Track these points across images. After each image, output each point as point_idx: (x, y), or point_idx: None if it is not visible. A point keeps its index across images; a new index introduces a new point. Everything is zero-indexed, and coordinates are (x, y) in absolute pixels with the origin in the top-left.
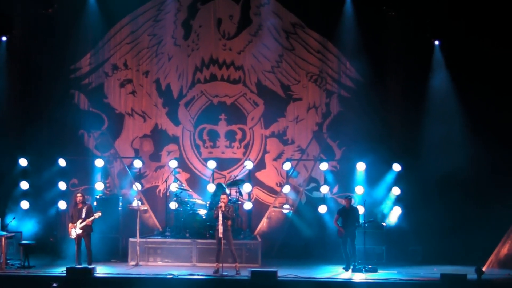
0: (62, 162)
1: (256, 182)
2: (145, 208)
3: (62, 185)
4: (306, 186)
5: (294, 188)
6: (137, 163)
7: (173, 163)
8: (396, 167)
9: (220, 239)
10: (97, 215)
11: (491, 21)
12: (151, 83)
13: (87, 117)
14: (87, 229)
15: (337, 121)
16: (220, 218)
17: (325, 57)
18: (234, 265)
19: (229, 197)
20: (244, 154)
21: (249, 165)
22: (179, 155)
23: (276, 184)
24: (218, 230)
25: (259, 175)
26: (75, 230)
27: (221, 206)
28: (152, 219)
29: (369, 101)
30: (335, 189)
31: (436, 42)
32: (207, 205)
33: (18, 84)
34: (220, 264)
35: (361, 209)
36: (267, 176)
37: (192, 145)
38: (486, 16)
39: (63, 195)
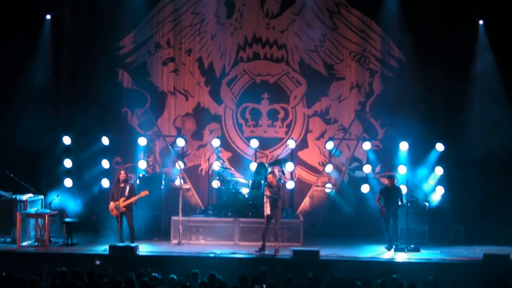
0: (105, 140)
1: (299, 161)
2: (188, 186)
3: (105, 163)
4: (349, 166)
5: (337, 168)
6: (180, 142)
7: (216, 142)
8: (439, 147)
9: (267, 217)
10: (144, 193)
11: None
12: (194, 62)
13: (130, 95)
14: (129, 207)
15: (380, 100)
16: (265, 197)
17: (369, 36)
18: (274, 243)
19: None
20: (286, 133)
21: (291, 144)
22: (221, 134)
23: (319, 163)
24: (265, 209)
25: (302, 154)
26: (118, 207)
27: (267, 186)
28: (195, 198)
29: (412, 81)
30: (378, 169)
31: (481, 22)
32: (249, 184)
33: (63, 62)
34: (267, 243)
35: (403, 189)
36: (310, 155)
37: (235, 124)
38: None
39: (106, 173)
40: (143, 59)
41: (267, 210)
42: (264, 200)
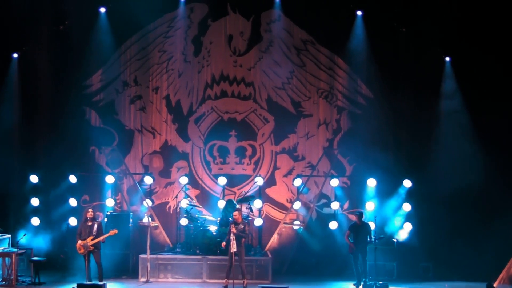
0: (73, 179)
1: (267, 199)
2: (156, 224)
3: (73, 202)
4: (317, 202)
5: (305, 204)
6: (148, 180)
7: (184, 180)
8: (407, 183)
9: (232, 254)
10: (113, 232)
11: (501, 38)
12: (161, 100)
13: (98, 134)
14: (97, 246)
15: (347, 137)
16: (231, 234)
17: (336, 74)
18: (242, 281)
19: (242, 213)
20: (254, 170)
21: (259, 181)
22: (189, 172)
23: (287, 200)
24: (231, 246)
25: (270, 191)
26: (86, 246)
27: (233, 223)
28: (163, 235)
29: (380, 118)
30: (346, 205)
31: (447, 58)
32: (218, 221)
33: (29, 100)
34: (230, 281)
35: (372, 225)
36: (278, 192)
37: (202, 162)
38: (497, 33)
39: (74, 211)
40: (111, 98)
41: (233, 247)
42: (230, 237)
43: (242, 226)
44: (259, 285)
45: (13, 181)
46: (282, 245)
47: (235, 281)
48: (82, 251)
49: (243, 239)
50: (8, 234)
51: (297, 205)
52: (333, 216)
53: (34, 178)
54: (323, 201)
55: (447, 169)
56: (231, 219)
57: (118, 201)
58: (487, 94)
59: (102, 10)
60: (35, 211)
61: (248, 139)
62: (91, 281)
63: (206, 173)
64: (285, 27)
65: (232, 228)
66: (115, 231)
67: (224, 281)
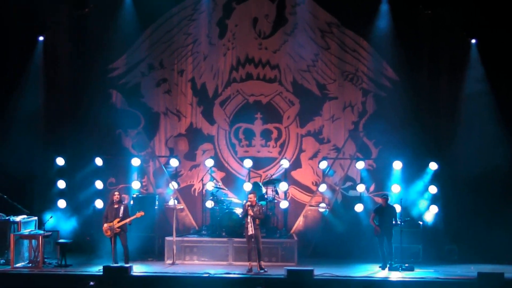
0: (99, 161)
1: (292, 181)
2: (182, 206)
3: (99, 184)
4: (342, 185)
5: (330, 187)
6: (174, 162)
7: (209, 162)
8: (433, 165)
9: (250, 237)
10: (140, 214)
11: None
12: (186, 82)
13: (124, 117)
14: (124, 228)
15: (373, 119)
16: (249, 217)
17: (361, 56)
18: (259, 263)
19: (266, 196)
20: (279, 153)
21: (285, 164)
22: (214, 154)
23: (312, 183)
24: (247, 229)
25: (295, 174)
26: (112, 228)
27: (249, 206)
28: (188, 218)
29: (405, 100)
30: (372, 188)
31: (473, 41)
32: (243, 204)
33: (55, 84)
34: (254, 263)
35: (397, 208)
36: (303, 175)
37: (228, 144)
38: None
39: (100, 194)
40: (137, 81)
41: (250, 230)
42: (248, 220)
43: (258, 208)
44: (284, 267)
45: (39, 164)
46: (308, 227)
47: (261, 263)
48: (108, 233)
49: (258, 221)
50: (35, 216)
51: (322, 187)
52: (359, 199)
53: (60, 161)
54: (349, 183)
55: (472, 152)
56: (257, 201)
57: (144, 183)
58: None
59: None
60: (62, 194)
61: (273, 121)
62: (117, 263)
63: (232, 156)
64: (309, 9)
65: (249, 211)
66: (142, 213)
67: (248, 263)
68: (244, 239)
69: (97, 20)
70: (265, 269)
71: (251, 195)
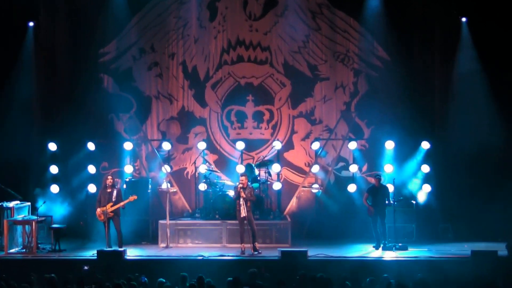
0: (91, 146)
1: (285, 163)
2: (175, 190)
3: (91, 169)
4: (335, 166)
5: (323, 168)
6: (166, 145)
7: (202, 145)
8: (425, 144)
9: (243, 219)
10: (132, 198)
11: None
12: (178, 66)
13: (116, 101)
14: (117, 212)
15: (365, 100)
16: (241, 199)
17: (352, 36)
18: (253, 244)
19: (258, 178)
20: (272, 134)
21: (277, 145)
22: (207, 137)
23: (305, 164)
24: (239, 211)
25: (288, 155)
26: (105, 213)
27: (241, 188)
28: (182, 201)
29: (397, 79)
30: (364, 168)
31: (464, 19)
32: (235, 186)
33: (47, 69)
34: (247, 245)
35: (390, 188)
36: (296, 156)
37: (220, 127)
38: None
39: (92, 178)
40: (128, 65)
41: (243, 212)
42: (240, 202)
43: (249, 190)
44: (278, 248)
45: (31, 149)
46: (301, 208)
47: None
48: (101, 218)
49: (249, 203)
50: (28, 202)
51: (315, 168)
52: (352, 179)
53: (52, 146)
54: (341, 164)
55: (465, 130)
56: (249, 183)
57: (137, 167)
58: (505, 53)
59: None
60: (54, 179)
61: (265, 103)
62: (111, 247)
63: (224, 138)
64: None
65: (242, 193)
66: (135, 197)
67: (241, 245)
68: (237, 221)
69: (87, 4)
70: (259, 251)
71: (243, 177)
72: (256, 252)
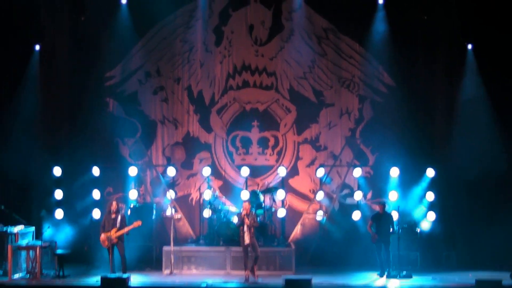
0: (96, 171)
1: (290, 189)
2: (179, 216)
3: (96, 194)
4: (340, 193)
5: (328, 195)
6: (171, 171)
7: (207, 171)
8: (430, 172)
9: (247, 246)
10: (137, 224)
11: None
12: (183, 90)
13: (121, 125)
14: (121, 238)
15: (370, 126)
16: (245, 226)
17: (357, 62)
18: (252, 268)
19: (263, 204)
20: (277, 160)
21: (282, 171)
22: (211, 163)
23: (310, 190)
24: (243, 237)
25: (292, 181)
26: (110, 238)
27: (245, 214)
28: (186, 227)
29: (402, 106)
30: (369, 195)
31: (469, 46)
32: (239, 212)
33: (52, 93)
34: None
35: (395, 215)
36: (300, 182)
37: (225, 152)
38: None
39: (97, 203)
40: (134, 89)
41: (247, 239)
42: (244, 228)
43: (252, 217)
44: (282, 276)
45: (36, 174)
46: (305, 235)
47: (260, 272)
48: (106, 243)
49: (252, 229)
50: (32, 227)
51: (320, 195)
52: (356, 206)
53: (57, 170)
54: (346, 191)
55: (470, 157)
56: (254, 210)
57: (141, 193)
58: (510, 79)
59: (123, 1)
60: (59, 204)
61: (270, 129)
62: (115, 273)
63: (229, 164)
64: (306, 15)
65: (246, 220)
66: (139, 223)
67: (245, 272)
68: (242, 248)
69: (93, 28)
70: (257, 280)
71: (246, 203)
72: (253, 279)
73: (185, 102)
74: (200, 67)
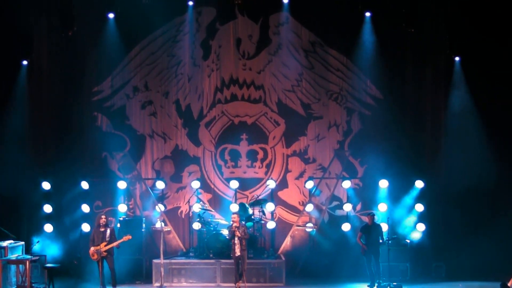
0: (85, 185)
1: (279, 201)
2: (169, 229)
3: (85, 208)
4: (329, 205)
5: (317, 207)
6: (160, 184)
7: (196, 184)
8: (419, 183)
9: (238, 258)
10: (127, 238)
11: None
12: (171, 104)
13: (109, 139)
14: (110, 251)
15: (358, 138)
16: (236, 238)
17: (345, 75)
18: (243, 284)
19: (252, 217)
20: (266, 173)
21: (271, 184)
22: (201, 176)
23: (299, 203)
24: (234, 250)
25: (282, 194)
26: (99, 252)
27: (235, 227)
28: (176, 240)
29: (390, 118)
30: (358, 207)
31: (457, 58)
32: (229, 225)
33: (40, 107)
34: (242, 284)
35: (384, 226)
36: (290, 195)
37: (214, 166)
38: (508, 31)
39: (86, 217)
40: (122, 103)
41: (238, 251)
42: (235, 241)
43: (243, 229)
44: None
45: (25, 188)
46: (295, 247)
47: (249, 284)
48: (95, 257)
49: (244, 241)
50: (21, 241)
51: (309, 207)
52: (346, 218)
53: (46, 185)
54: (335, 203)
55: (458, 168)
56: (243, 222)
57: (131, 206)
58: (497, 91)
59: (111, 15)
60: (48, 218)
61: (259, 142)
62: (104, 286)
63: (218, 177)
64: (293, 29)
65: (237, 232)
66: (129, 236)
67: (235, 285)
68: (232, 261)
69: (81, 43)
70: None
71: (234, 215)
72: None
73: (174, 116)
74: (188, 81)
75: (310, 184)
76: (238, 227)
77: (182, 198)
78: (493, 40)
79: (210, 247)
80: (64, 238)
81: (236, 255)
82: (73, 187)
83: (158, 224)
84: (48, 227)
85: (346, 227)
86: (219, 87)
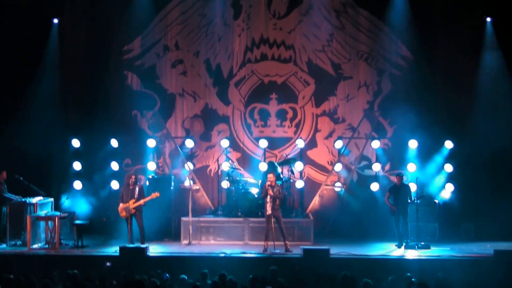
0: (114, 143)
1: (308, 161)
2: (197, 187)
3: (114, 166)
4: (358, 164)
5: (346, 166)
6: (189, 143)
7: (225, 143)
8: (448, 144)
9: (269, 217)
10: (155, 195)
11: None
12: (201, 63)
13: (139, 98)
14: (139, 209)
15: (388, 99)
16: (269, 197)
17: (376, 36)
18: (283, 243)
19: (281, 176)
20: (295, 133)
21: (300, 143)
22: (230, 135)
23: (328, 162)
24: (266, 208)
25: (311, 153)
26: (128, 209)
27: (269, 185)
28: (204, 198)
29: (420, 79)
30: (387, 167)
31: (488, 19)
32: (259, 183)
33: (71, 66)
34: (271, 243)
35: (413, 187)
36: (319, 154)
37: (243, 125)
38: None
39: (115, 175)
40: (152, 62)
41: (269, 210)
42: (268, 200)
43: (277, 188)
44: (301, 246)
45: (55, 146)
46: (324, 207)
47: (277, 242)
48: (124, 214)
49: (278, 201)
50: (51, 198)
51: (338, 167)
52: (374, 178)
53: (76, 142)
54: (364, 163)
55: (489, 130)
56: (268, 182)
57: (160, 164)
58: None
59: None
60: (77, 175)
61: (288, 101)
62: (133, 243)
63: (247, 136)
64: None
65: (269, 191)
66: (157, 194)
67: (264, 243)
68: (260, 219)
69: (112, 1)
70: (291, 250)
71: (271, 175)
72: (286, 251)
73: (204, 75)
74: (218, 40)
75: (339, 144)
76: (272, 186)
77: (211, 157)
78: None
79: (239, 205)
80: (93, 196)
81: (267, 213)
82: (103, 145)
83: (187, 183)
84: (78, 185)
85: (374, 187)
86: (249, 47)
